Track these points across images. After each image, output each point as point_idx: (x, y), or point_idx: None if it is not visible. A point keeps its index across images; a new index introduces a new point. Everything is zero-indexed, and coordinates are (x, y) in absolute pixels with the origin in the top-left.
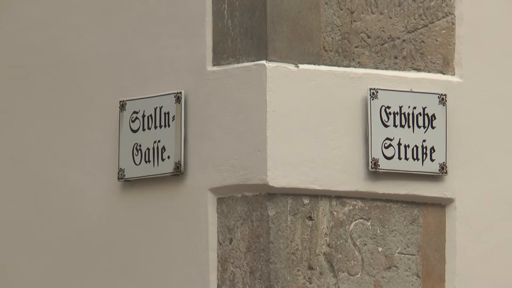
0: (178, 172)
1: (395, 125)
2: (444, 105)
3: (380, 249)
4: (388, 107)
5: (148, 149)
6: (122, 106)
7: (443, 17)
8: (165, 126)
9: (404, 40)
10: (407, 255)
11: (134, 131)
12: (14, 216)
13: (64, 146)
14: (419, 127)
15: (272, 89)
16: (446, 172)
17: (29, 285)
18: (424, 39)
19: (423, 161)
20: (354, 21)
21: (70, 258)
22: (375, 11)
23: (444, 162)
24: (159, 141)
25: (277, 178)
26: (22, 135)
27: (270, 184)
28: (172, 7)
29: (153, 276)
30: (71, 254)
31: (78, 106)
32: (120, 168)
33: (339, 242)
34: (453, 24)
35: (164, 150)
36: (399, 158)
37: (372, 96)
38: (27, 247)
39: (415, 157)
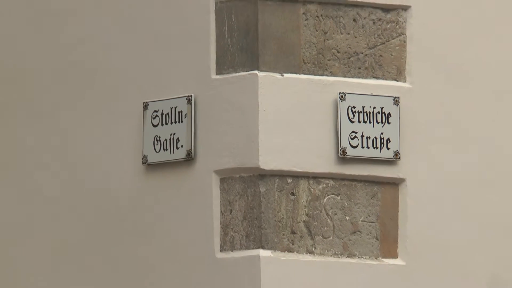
0: (189, 158)
1: (359, 121)
2: (397, 106)
3: (347, 218)
4: (354, 107)
5: (166, 140)
6: (145, 106)
7: (397, 36)
8: (178, 122)
9: (366, 55)
10: (368, 223)
11: (155, 126)
12: (57, 193)
13: (100, 138)
14: (377, 123)
15: (263, 93)
16: (399, 158)
17: (66, 252)
18: (381, 53)
19: (381, 149)
20: (327, 39)
21: (103, 226)
22: (343, 32)
23: (397, 150)
24: (174, 134)
25: (267, 162)
26: (66, 128)
27: (261, 167)
28: (184, 28)
29: (170, 240)
30: (103, 223)
31: (111, 106)
32: (144, 155)
33: (315, 213)
34: (405, 42)
35: (178, 140)
36: (362, 147)
37: (341, 99)
38: (67, 220)
39: (374, 146)
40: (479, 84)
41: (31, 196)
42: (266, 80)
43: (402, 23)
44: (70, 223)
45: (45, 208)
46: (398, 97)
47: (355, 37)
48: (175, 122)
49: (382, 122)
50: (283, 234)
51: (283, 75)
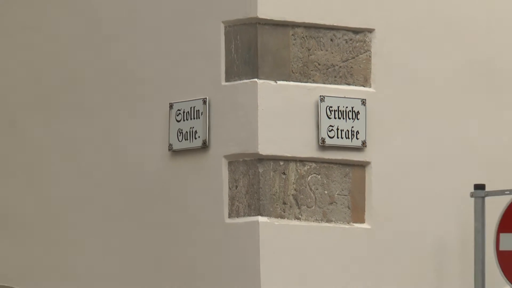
0: (205, 146)
1: (335, 118)
2: (364, 106)
3: (326, 192)
4: (331, 107)
5: (186, 132)
6: (171, 106)
7: (364, 52)
8: (196, 118)
9: (340, 67)
10: (342, 196)
11: (178, 121)
12: (105, 173)
13: (136, 130)
14: (349, 119)
15: (261, 96)
16: (365, 146)
17: (111, 218)
18: (352, 65)
19: (351, 139)
20: (310, 55)
21: (138, 198)
22: (323, 49)
23: (364, 140)
24: (193, 127)
25: (264, 149)
26: (111, 124)
27: (260, 153)
28: (201, 46)
29: (189, 209)
30: (138, 196)
31: (145, 106)
32: (170, 143)
33: (301, 188)
34: (370, 56)
35: (196, 133)
36: (337, 137)
37: (321, 100)
38: (112, 194)
39: (346, 137)
40: (428, 88)
41: (86, 176)
42: (264, 86)
43: (368, 42)
44: (114, 196)
45: (96, 185)
46: (365, 99)
47: (332, 53)
48: (194, 118)
49: (352, 119)
50: (277, 205)
51: (276, 82)
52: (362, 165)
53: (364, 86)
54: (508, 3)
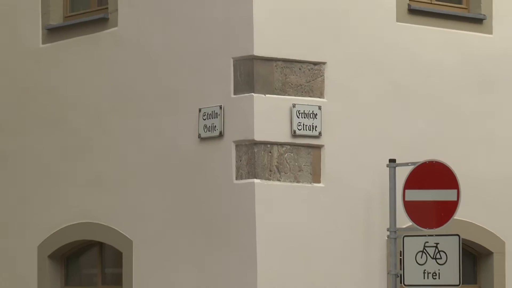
0: (221, 135)
1: (302, 118)
2: (320, 110)
3: (296, 164)
4: (299, 111)
5: (209, 126)
6: (199, 110)
7: (320, 76)
8: (215, 118)
9: (305, 86)
10: (306, 166)
11: (204, 120)
12: (151, 158)
13: (178, 126)
14: (310, 118)
15: (256, 104)
16: (321, 135)
17: (151, 188)
18: (312, 85)
19: (312, 131)
20: (286, 78)
21: (175, 173)
22: (294, 74)
23: (320, 131)
24: (213, 123)
25: (258, 137)
26: (160, 124)
27: (255, 139)
28: (219, 72)
29: (210, 176)
30: (176, 171)
31: (183, 111)
32: (199, 133)
33: (280, 161)
34: (324, 79)
35: (215, 127)
36: (303, 130)
37: (293, 107)
38: (155, 172)
39: (309, 130)
40: (362, 100)
41: (145, 154)
42: (257, 98)
43: (322, 70)
44: (163, 167)
45: (152, 160)
46: (321, 106)
47: (300, 77)
48: (214, 118)
49: (312, 118)
50: (265, 171)
51: (265, 95)
52: (318, 147)
53: (320, 98)
54: (427, 41)
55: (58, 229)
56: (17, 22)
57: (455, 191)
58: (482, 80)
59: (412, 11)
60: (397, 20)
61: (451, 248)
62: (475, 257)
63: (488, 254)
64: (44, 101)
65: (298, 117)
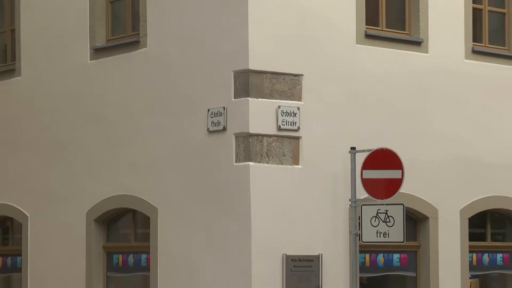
0: (224, 129)
1: (286, 116)
2: (299, 110)
3: (281, 151)
4: (283, 111)
5: (216, 122)
6: (208, 110)
7: (299, 85)
8: (220, 116)
9: (287, 92)
10: (289, 152)
11: (212, 117)
12: (168, 149)
13: (192, 122)
14: (292, 116)
15: (251, 105)
16: (299, 129)
17: (170, 168)
18: (293, 92)
19: (292, 126)
20: (273, 86)
21: (187, 157)
22: (279, 83)
23: (299, 127)
24: (218, 120)
25: (252, 130)
26: (180, 121)
27: (250, 132)
28: (223, 82)
29: (216, 159)
30: (189, 156)
31: (196, 111)
32: (208, 128)
33: (269, 148)
34: (301, 87)
35: (220, 122)
36: (286, 125)
37: (278, 108)
38: (173, 156)
39: (291, 125)
40: (328, 101)
41: (157, 147)
42: (252, 101)
43: (300, 80)
44: (180, 154)
45: (170, 148)
46: (299, 107)
47: (284, 85)
48: (219, 116)
49: (293, 116)
50: (257, 156)
51: (258, 99)
52: (297, 138)
53: (298, 101)
54: (379, 59)
55: (102, 199)
56: (71, 43)
57: (400, 171)
58: (421, 88)
59: (368, 36)
60: (357, 43)
61: (397, 214)
62: (415, 221)
63: (425, 218)
64: (91, 104)
65: (282, 116)
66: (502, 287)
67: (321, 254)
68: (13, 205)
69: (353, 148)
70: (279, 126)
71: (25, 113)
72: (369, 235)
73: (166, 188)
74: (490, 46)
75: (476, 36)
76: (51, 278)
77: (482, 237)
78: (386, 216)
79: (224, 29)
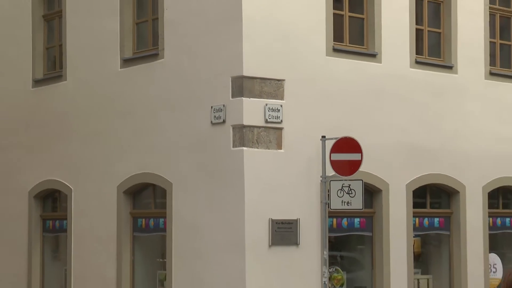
0: (224, 122)
1: (272, 112)
2: (281, 107)
3: (268, 138)
4: (270, 108)
5: (217, 116)
6: (211, 107)
7: (281, 88)
8: (221, 111)
9: (273, 93)
10: (274, 139)
11: (214, 113)
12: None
13: (200, 116)
14: (276, 112)
15: (245, 103)
16: (282, 121)
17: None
18: (277, 93)
19: (277, 119)
20: (263, 89)
21: (201, 141)
22: (266, 87)
23: (281, 119)
24: (219, 115)
25: (246, 122)
26: (189, 114)
27: (244, 124)
28: (223, 85)
29: (217, 144)
30: (198, 141)
31: (202, 107)
32: (211, 120)
33: (259, 136)
34: (283, 90)
35: (221, 116)
36: (272, 119)
37: (266, 105)
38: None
39: (275, 119)
40: (304, 101)
41: (173, 136)
42: (245, 100)
43: (283, 84)
44: (187, 142)
45: (179, 139)
46: (282, 105)
47: (270, 88)
48: (220, 111)
49: (277, 112)
50: (249, 142)
51: (250, 99)
52: (280, 129)
53: (281, 100)
54: (344, 68)
55: (129, 176)
56: (105, 55)
57: (359, 154)
58: (375, 90)
59: (335, 50)
60: (326, 55)
61: (357, 187)
62: (371, 192)
63: (379, 190)
64: (120, 102)
65: (269, 111)
66: (438, 243)
67: (299, 219)
68: (61, 180)
69: (323, 137)
70: (266, 120)
71: (69, 109)
72: (336, 204)
73: (179, 167)
74: (429, 57)
75: (419, 49)
76: (90, 237)
77: (423, 205)
78: (349, 189)
79: (224, 45)
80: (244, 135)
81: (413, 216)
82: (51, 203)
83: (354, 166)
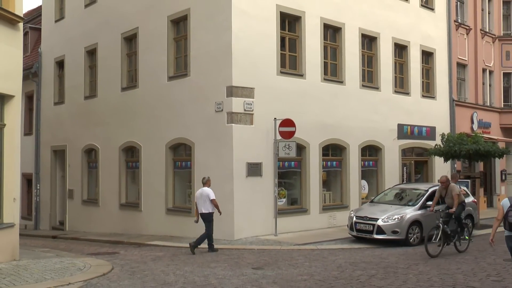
0: (222, 111)
1: (248, 105)
2: (253, 102)
3: (245, 119)
4: (247, 103)
5: (219, 108)
6: (215, 103)
7: (252, 92)
8: (220, 105)
9: (248, 95)
10: (249, 120)
11: (217, 105)
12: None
13: (204, 109)
14: (250, 105)
15: (233, 101)
16: (253, 111)
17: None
18: (251, 94)
19: (251, 109)
20: (242, 92)
21: (209, 131)
22: (246, 92)
23: (253, 109)
24: (220, 107)
25: (234, 110)
26: (195, 106)
27: (233, 111)
28: (221, 90)
29: (217, 125)
30: (204, 130)
31: (207, 103)
32: (215, 109)
33: (241, 118)
34: (253, 96)
35: (220, 107)
36: (248, 109)
37: (245, 102)
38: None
39: (250, 109)
40: (266, 98)
41: (191, 119)
42: (234, 99)
43: (254, 90)
44: (200, 122)
45: (195, 121)
46: (253, 101)
47: (248, 92)
48: (220, 105)
49: (250, 105)
50: (236, 121)
51: (236, 98)
52: (252, 114)
53: (252, 99)
54: (291, 84)
55: (171, 139)
56: (158, 73)
57: (294, 127)
58: (302, 93)
59: (281, 72)
60: (277, 75)
61: (293, 145)
62: (300, 148)
63: (304, 147)
64: (166, 101)
65: (246, 105)
66: (335, 175)
67: (262, 162)
68: (134, 140)
69: (275, 118)
70: (245, 109)
71: (140, 106)
72: (282, 154)
73: (197, 135)
74: (331, 76)
75: (326, 72)
76: (153, 172)
77: (327, 155)
78: (289, 146)
79: (222, 69)
80: (233, 117)
81: (322, 161)
82: (131, 154)
83: (291, 134)
